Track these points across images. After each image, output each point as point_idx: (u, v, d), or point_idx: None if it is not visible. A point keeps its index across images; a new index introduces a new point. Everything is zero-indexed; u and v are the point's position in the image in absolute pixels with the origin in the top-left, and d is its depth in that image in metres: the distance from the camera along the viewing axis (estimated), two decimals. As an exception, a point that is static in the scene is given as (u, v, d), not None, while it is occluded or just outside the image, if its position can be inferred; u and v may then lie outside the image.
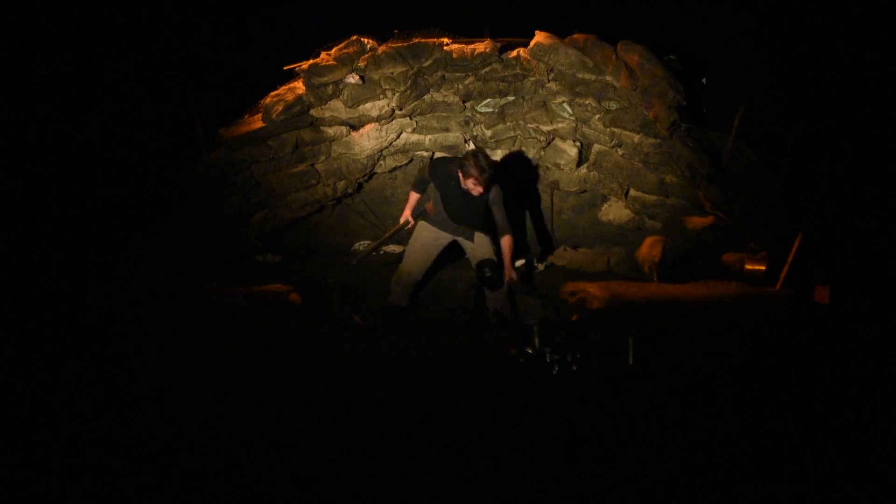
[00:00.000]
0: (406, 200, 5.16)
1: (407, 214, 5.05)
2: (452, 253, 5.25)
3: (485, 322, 5.21)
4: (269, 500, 2.48)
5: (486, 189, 4.58)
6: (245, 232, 5.88)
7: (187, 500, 2.50)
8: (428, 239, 4.96)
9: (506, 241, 4.69)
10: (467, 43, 5.87)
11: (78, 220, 5.33)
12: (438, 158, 5.04)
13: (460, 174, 4.57)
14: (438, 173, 4.80)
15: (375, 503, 2.47)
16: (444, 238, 4.97)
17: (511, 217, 5.35)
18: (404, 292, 5.04)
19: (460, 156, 4.92)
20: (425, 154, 6.40)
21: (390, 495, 2.49)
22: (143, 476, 2.60)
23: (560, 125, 6.02)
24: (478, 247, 4.90)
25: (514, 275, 4.73)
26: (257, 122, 5.76)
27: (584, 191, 6.34)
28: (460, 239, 4.97)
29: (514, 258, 4.78)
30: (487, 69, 5.89)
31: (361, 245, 6.33)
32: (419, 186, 5.02)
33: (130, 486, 2.55)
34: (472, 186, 4.55)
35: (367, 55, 5.73)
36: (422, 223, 5.00)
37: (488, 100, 6.09)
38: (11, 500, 2.49)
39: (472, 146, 6.28)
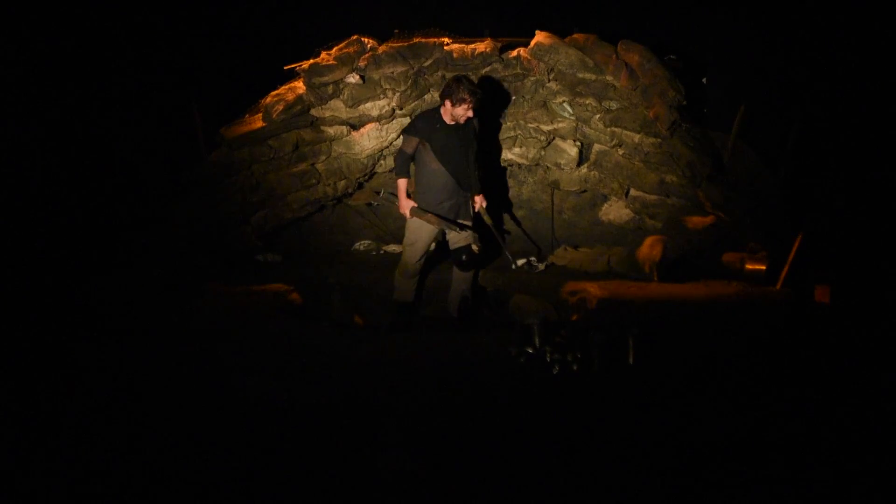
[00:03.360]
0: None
1: (408, 203, 4.85)
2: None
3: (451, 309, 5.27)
4: (269, 499, 2.48)
5: (476, 111, 4.70)
6: (245, 231, 5.88)
7: (188, 498, 2.50)
8: (427, 226, 4.88)
9: (479, 199, 5.00)
10: (467, 43, 5.87)
11: (79, 219, 5.34)
12: (413, 119, 4.98)
13: (447, 105, 4.67)
14: (419, 127, 4.78)
15: (375, 502, 2.47)
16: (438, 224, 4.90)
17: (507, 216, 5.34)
18: (410, 286, 5.10)
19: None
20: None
21: (390, 494, 2.49)
22: (144, 475, 2.60)
23: (560, 125, 6.02)
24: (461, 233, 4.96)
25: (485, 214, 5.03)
26: (257, 122, 5.76)
27: (585, 190, 6.34)
28: (450, 226, 4.88)
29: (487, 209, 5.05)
30: (488, 69, 5.89)
31: (362, 245, 6.33)
32: (402, 168, 4.90)
33: (132, 484, 2.55)
34: (464, 112, 4.65)
35: (367, 55, 5.73)
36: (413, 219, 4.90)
37: (489, 99, 6.09)
38: (12, 499, 2.49)
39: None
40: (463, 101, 4.61)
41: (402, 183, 4.88)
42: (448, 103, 4.69)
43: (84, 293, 4.49)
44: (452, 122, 4.76)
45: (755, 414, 2.97)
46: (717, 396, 3.12)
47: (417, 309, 5.34)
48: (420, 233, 4.95)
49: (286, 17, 6.21)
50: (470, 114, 4.70)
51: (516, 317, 5.29)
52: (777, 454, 2.68)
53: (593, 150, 6.13)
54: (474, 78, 5.93)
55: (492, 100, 5.96)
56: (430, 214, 4.83)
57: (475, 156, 4.96)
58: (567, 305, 4.89)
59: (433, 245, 5.15)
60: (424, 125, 4.79)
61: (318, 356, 3.64)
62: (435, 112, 4.83)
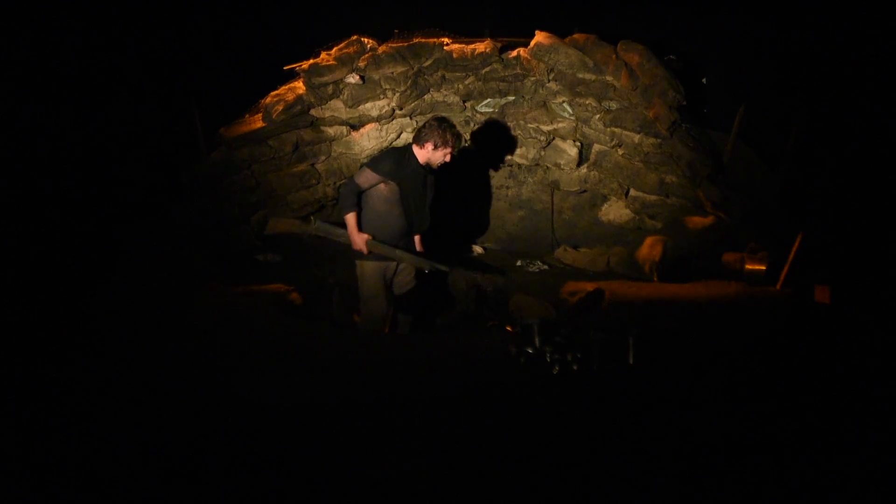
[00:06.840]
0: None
1: (363, 237, 4.37)
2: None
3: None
4: (269, 500, 2.48)
5: (454, 157, 4.37)
6: (245, 231, 5.88)
7: (187, 498, 2.50)
8: (376, 271, 4.52)
9: (417, 239, 4.64)
10: (467, 43, 5.88)
11: (78, 219, 5.33)
12: (378, 158, 4.42)
13: (426, 148, 4.28)
14: (392, 170, 4.30)
15: (375, 503, 2.47)
16: (391, 263, 4.59)
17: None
18: (381, 327, 4.67)
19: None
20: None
21: (390, 495, 2.49)
22: (143, 475, 2.60)
23: (560, 125, 6.02)
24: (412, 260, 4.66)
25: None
26: (257, 122, 5.77)
27: (585, 191, 6.35)
28: (422, 262, 4.61)
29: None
30: (488, 69, 5.89)
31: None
32: (353, 202, 4.37)
33: (131, 485, 2.55)
34: (443, 157, 4.32)
35: (367, 55, 5.74)
36: (363, 262, 4.51)
37: (488, 100, 6.10)
38: (11, 499, 2.49)
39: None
40: (446, 145, 4.27)
41: (353, 217, 4.36)
42: (429, 146, 4.28)
43: (83, 293, 4.49)
44: (424, 165, 4.38)
45: (755, 413, 2.97)
46: (716, 396, 3.12)
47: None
48: (377, 280, 4.51)
49: (286, 17, 6.21)
50: (448, 159, 4.34)
51: (516, 317, 5.29)
52: (777, 454, 2.68)
53: (593, 151, 6.13)
54: (474, 78, 5.95)
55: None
56: (391, 248, 4.40)
57: (431, 200, 4.60)
58: (567, 305, 4.89)
59: (390, 294, 4.61)
60: (397, 168, 4.31)
61: (317, 356, 3.64)
62: (406, 152, 4.38)
